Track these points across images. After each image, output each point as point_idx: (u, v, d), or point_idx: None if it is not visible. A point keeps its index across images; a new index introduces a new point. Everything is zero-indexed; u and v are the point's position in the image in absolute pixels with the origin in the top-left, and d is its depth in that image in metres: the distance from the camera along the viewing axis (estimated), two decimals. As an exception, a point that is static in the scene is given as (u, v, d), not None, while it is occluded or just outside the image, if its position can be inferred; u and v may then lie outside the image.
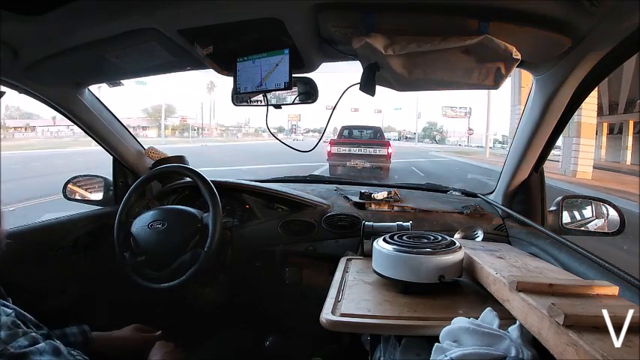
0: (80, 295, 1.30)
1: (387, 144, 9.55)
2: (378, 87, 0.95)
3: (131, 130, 1.55)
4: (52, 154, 15.50)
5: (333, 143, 9.37)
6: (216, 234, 1.12)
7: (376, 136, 10.39)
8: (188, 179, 1.39)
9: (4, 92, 0.78)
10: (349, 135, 10.26)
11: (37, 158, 13.23)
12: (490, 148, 23.90)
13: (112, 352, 0.98)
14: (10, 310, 0.62)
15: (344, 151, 9.18)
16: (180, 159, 1.50)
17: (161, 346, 0.95)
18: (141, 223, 1.19)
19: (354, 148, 9.28)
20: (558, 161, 11.90)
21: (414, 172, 11.62)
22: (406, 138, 52.57)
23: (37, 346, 0.59)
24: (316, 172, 4.46)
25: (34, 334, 0.61)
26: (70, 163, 11.36)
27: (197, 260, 1.10)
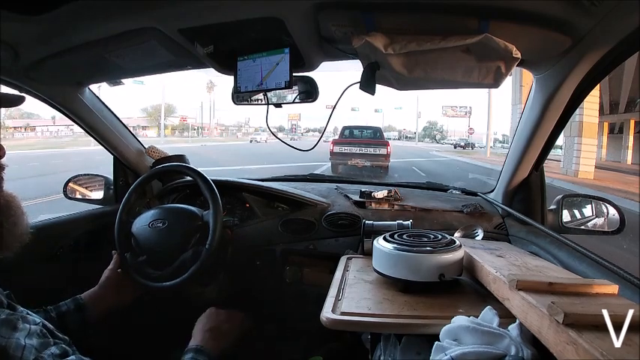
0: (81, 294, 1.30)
1: (386, 144, 10.10)
2: (378, 86, 0.95)
3: (131, 129, 1.56)
4: (50, 154, 15.48)
5: (334, 143, 9.95)
6: (217, 231, 1.12)
7: (376, 136, 10.91)
8: (188, 178, 1.39)
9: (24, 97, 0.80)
10: (350, 135, 10.79)
11: (35, 158, 13.21)
12: (491, 147, 23.83)
13: (108, 301, 1.04)
14: (38, 320, 0.63)
15: (345, 151, 9.69)
16: (180, 158, 1.51)
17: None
18: (141, 222, 1.19)
19: (355, 148, 9.76)
20: (560, 160, 11.86)
21: (414, 172, 11.65)
22: (406, 137, 52.50)
23: (68, 358, 0.60)
24: (317, 172, 4.45)
25: (64, 345, 0.62)
26: (67, 164, 11.34)
27: (198, 258, 1.10)
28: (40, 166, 11.02)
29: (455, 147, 31.97)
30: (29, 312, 0.65)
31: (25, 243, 0.68)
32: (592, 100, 10.57)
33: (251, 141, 33.71)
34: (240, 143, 31.86)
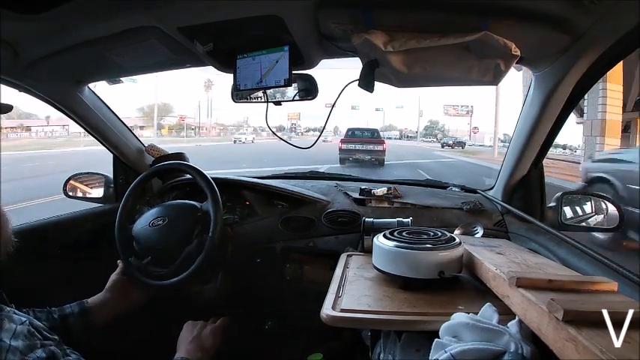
0: (81, 294, 1.30)
1: (382, 142, 13.79)
2: (378, 84, 0.95)
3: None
4: (43, 155, 15.37)
5: (342, 141, 13.85)
6: (218, 218, 1.11)
7: (374, 136, 14.49)
8: (188, 176, 1.39)
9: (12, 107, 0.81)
10: (353, 135, 14.41)
11: (30, 159, 13.13)
12: (490, 147, 23.53)
13: (115, 306, 1.03)
14: (24, 318, 0.62)
15: (351, 147, 13.35)
16: (179, 156, 1.51)
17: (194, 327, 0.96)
18: (141, 223, 1.17)
19: (358, 145, 13.36)
20: (579, 162, 10.80)
21: (419, 175, 11.47)
22: (407, 137, 52.18)
23: None
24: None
25: (52, 347, 0.61)
26: (61, 164, 11.18)
27: (203, 248, 1.08)
28: (37, 167, 10.96)
29: (443, 146, 30.41)
30: (15, 311, 0.64)
31: (11, 249, 0.68)
32: (615, 97, 9.72)
33: (235, 141, 30.38)
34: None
